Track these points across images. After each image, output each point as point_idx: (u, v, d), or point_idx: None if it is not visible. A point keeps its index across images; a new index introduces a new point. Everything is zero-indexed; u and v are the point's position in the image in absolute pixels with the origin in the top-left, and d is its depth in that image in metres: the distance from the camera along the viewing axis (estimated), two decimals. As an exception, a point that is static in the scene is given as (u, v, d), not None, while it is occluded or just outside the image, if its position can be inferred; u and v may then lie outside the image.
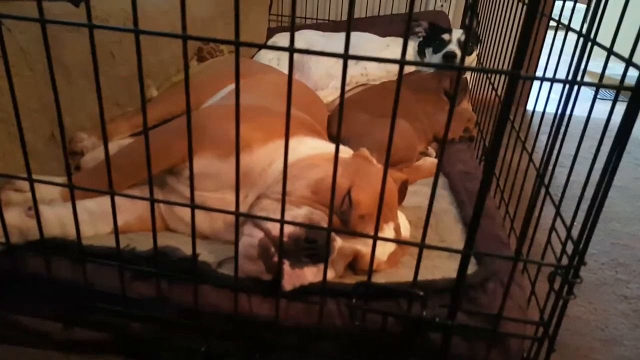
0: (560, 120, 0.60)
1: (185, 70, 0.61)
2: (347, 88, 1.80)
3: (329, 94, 1.79)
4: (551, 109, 1.00)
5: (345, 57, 0.57)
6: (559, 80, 0.56)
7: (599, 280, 1.24)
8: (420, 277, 0.68)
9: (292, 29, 0.57)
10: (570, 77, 0.65)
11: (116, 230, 0.74)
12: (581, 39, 0.69)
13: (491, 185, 0.60)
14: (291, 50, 0.58)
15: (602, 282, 1.23)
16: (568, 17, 0.88)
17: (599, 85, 0.61)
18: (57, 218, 0.85)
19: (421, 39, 1.93)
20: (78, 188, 0.72)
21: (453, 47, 1.76)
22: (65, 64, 1.09)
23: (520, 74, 0.55)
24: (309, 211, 0.79)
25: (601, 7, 0.64)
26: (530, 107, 2.70)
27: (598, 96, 0.63)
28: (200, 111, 1.10)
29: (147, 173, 0.67)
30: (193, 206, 0.69)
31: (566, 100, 0.59)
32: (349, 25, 0.56)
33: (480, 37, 1.89)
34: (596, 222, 0.62)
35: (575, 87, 0.65)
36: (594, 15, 0.57)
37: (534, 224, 0.88)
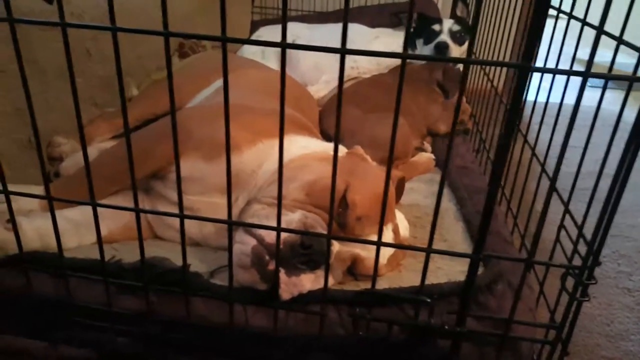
0: (573, 114, 0.57)
1: (168, 69, 0.56)
2: (337, 83, 1.75)
3: (320, 89, 1.74)
4: (541, 97, 0.97)
5: (343, 52, 0.53)
6: (572, 73, 0.53)
7: (602, 273, 1.22)
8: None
9: (284, 21, 0.52)
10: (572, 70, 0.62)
11: (100, 243, 0.69)
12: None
13: (498, 193, 0.57)
14: (283, 45, 0.53)
15: (605, 275, 1.21)
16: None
17: (609, 76, 0.57)
18: (36, 230, 0.81)
19: (411, 29, 1.89)
20: (57, 199, 0.68)
21: (445, 37, 1.72)
22: (40, 64, 1.03)
23: (531, 66, 0.51)
24: (303, 215, 0.75)
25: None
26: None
27: (588, 84, 0.60)
28: (183, 111, 1.05)
29: (130, 179, 0.63)
30: (182, 216, 0.64)
31: (580, 93, 0.55)
32: (346, 18, 0.51)
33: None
34: (611, 221, 0.59)
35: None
36: (608, 3, 0.54)
37: (538, 218, 0.85)
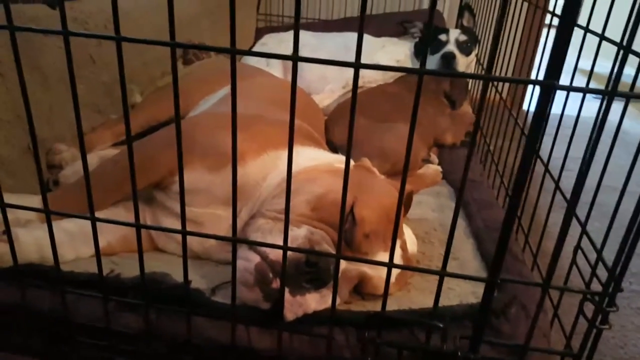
0: (599, 132, 0.54)
1: (174, 80, 0.53)
2: (344, 91, 1.73)
3: (325, 97, 1.72)
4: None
5: (357, 66, 0.50)
6: (598, 91, 0.50)
7: (613, 292, 1.18)
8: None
9: (296, 35, 0.50)
10: (593, 87, 0.59)
11: (98, 258, 0.66)
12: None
13: (514, 224, 0.55)
14: (295, 58, 0.51)
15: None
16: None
17: (631, 95, 0.55)
18: (34, 242, 0.78)
19: (417, 39, 1.87)
20: (54, 213, 0.65)
21: (451, 47, 1.70)
22: (43, 70, 1.01)
23: (556, 84, 0.49)
24: (309, 231, 0.72)
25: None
26: (525, 106, 2.66)
27: (599, 97, 0.59)
28: (188, 120, 1.02)
29: (131, 189, 0.60)
30: (184, 232, 0.62)
31: (605, 112, 0.53)
32: (361, 31, 0.49)
33: (479, 37, 1.84)
34: (635, 245, 0.56)
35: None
36: (637, 22, 0.51)
37: (549, 234, 0.82)
